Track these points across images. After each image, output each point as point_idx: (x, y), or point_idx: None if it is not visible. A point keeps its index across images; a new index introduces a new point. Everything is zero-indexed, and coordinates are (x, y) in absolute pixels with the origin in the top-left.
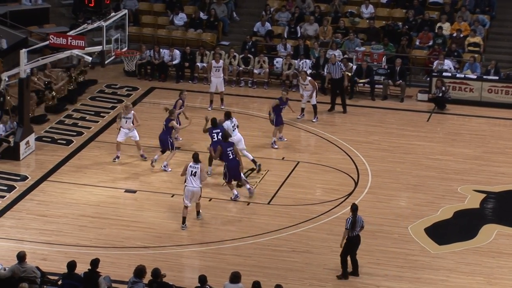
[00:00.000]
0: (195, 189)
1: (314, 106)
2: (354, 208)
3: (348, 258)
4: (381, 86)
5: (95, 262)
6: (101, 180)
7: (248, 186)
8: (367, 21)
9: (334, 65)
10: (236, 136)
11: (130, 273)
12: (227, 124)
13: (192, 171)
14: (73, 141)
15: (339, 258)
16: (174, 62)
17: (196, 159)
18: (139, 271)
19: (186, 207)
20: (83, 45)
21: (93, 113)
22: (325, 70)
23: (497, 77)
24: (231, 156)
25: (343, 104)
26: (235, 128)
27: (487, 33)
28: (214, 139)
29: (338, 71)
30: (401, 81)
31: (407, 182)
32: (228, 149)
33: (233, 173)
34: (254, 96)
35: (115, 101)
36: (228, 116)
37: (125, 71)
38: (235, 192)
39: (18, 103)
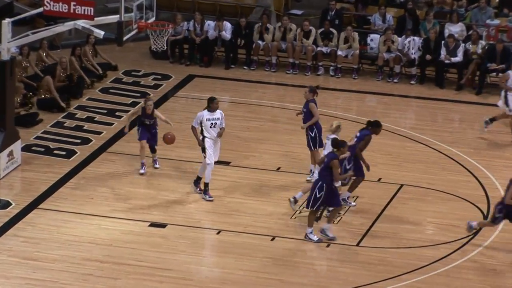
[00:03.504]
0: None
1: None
2: None
3: None
4: None
5: None
6: (115, 209)
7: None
8: None
9: None
10: None
11: None
12: None
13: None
14: (76, 152)
15: None
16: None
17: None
18: None
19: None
20: (92, 13)
21: (105, 111)
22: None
23: None
24: None
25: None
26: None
27: None
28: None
29: None
30: None
31: None
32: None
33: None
34: (338, 90)
35: (138, 94)
36: None
37: (152, 52)
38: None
39: None
